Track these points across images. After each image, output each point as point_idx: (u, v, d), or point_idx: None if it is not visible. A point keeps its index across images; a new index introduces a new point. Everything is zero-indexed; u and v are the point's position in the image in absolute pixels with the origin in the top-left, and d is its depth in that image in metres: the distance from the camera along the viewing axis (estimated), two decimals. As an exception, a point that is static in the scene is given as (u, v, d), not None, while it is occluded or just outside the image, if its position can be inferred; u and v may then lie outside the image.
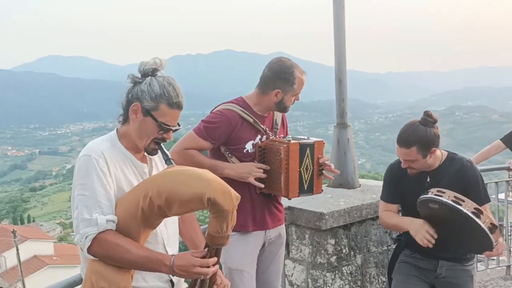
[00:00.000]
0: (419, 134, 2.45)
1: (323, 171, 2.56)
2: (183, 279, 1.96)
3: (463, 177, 2.53)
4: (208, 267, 1.68)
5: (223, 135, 2.45)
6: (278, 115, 2.67)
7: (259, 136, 2.53)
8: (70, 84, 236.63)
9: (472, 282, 2.67)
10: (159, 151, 1.85)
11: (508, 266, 4.46)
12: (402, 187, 2.66)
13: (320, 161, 2.51)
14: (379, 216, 2.79)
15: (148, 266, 1.67)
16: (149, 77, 1.77)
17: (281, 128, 2.68)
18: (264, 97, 2.51)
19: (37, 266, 24.91)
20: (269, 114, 2.61)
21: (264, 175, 2.45)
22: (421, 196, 2.42)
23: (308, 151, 2.47)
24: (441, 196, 2.31)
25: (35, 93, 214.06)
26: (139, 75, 1.79)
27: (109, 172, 1.71)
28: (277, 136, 2.60)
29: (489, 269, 4.48)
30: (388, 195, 2.74)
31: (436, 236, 2.42)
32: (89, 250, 1.65)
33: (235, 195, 1.64)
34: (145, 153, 1.87)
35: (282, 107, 2.54)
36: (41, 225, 49.14)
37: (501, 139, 3.96)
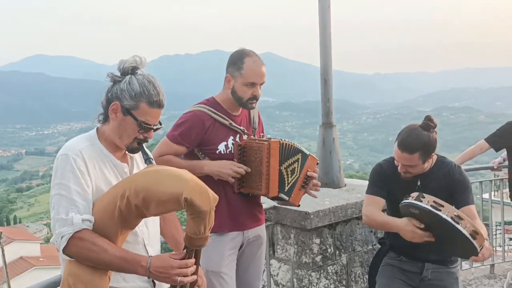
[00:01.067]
0: (423, 140, 2.40)
1: (309, 189, 2.55)
2: None
3: (451, 180, 2.53)
4: (187, 268, 1.65)
5: (198, 138, 2.43)
6: (255, 113, 2.64)
7: (231, 137, 2.50)
8: (57, 84, 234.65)
9: (457, 284, 2.67)
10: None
11: (492, 265, 4.50)
12: (391, 188, 2.61)
13: (308, 173, 2.51)
14: (362, 213, 2.69)
15: (124, 267, 1.63)
16: (129, 76, 1.74)
17: (258, 127, 2.66)
18: (225, 89, 2.49)
19: (23, 268, 24.60)
20: (242, 112, 2.57)
21: (239, 175, 2.42)
22: (402, 201, 2.39)
23: (300, 156, 2.48)
24: (420, 201, 2.29)
25: (21, 93, 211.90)
26: (118, 74, 1.76)
27: (88, 171, 1.68)
28: (256, 135, 2.59)
29: (474, 268, 4.52)
30: (376, 188, 2.65)
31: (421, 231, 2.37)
32: (64, 250, 1.61)
33: (212, 196, 1.61)
34: (126, 152, 1.84)
35: (237, 98, 2.45)
36: (28, 226, 48.61)
37: (485, 139, 3.99)
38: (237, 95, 2.44)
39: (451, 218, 2.21)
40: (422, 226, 2.36)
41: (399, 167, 2.51)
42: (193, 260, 1.68)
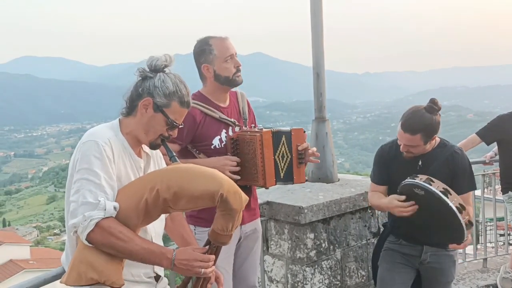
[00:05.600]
0: (425, 122, 2.49)
1: (308, 160, 2.51)
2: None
3: (453, 163, 2.61)
4: (209, 262, 1.69)
5: (189, 134, 2.40)
6: (244, 104, 2.62)
7: (224, 130, 2.48)
8: (46, 85, 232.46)
9: (454, 267, 2.77)
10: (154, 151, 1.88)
11: (485, 259, 4.51)
12: (392, 169, 2.70)
13: (299, 148, 2.45)
14: (368, 196, 2.87)
15: (149, 258, 1.65)
16: (161, 73, 1.77)
17: (249, 117, 2.63)
18: (206, 81, 2.47)
19: (12, 271, 24.33)
20: (231, 103, 2.56)
21: (237, 168, 2.41)
22: (408, 180, 2.44)
23: (283, 138, 2.43)
24: (430, 184, 2.35)
25: (10, 94, 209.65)
26: (148, 70, 1.78)
27: (114, 160, 1.70)
28: (248, 126, 2.56)
29: (466, 262, 4.53)
30: (378, 176, 2.78)
31: (408, 206, 2.47)
32: (88, 236, 1.58)
33: (244, 197, 1.70)
34: (142, 149, 1.87)
35: (223, 80, 2.44)
36: (17, 229, 48.21)
37: (476, 133, 4.00)
38: (222, 76, 2.43)
39: (456, 207, 2.28)
40: (403, 198, 2.46)
41: (401, 147, 2.59)
42: (213, 256, 1.72)
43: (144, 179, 1.72)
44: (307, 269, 3.12)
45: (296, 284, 3.18)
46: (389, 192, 2.77)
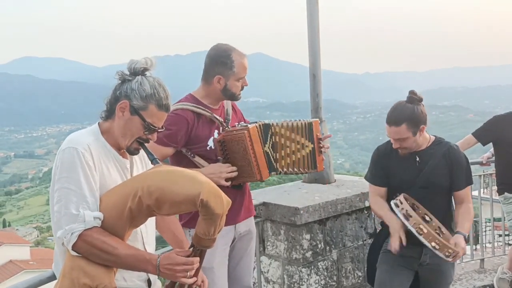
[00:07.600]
0: (407, 112, 2.56)
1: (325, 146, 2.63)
2: (158, 279, 1.94)
3: (449, 158, 2.66)
4: (192, 265, 1.68)
5: (184, 137, 2.40)
6: (228, 105, 2.63)
7: (216, 131, 2.49)
8: (46, 86, 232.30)
9: (453, 268, 2.79)
10: (142, 151, 1.84)
11: (482, 260, 4.52)
12: (390, 168, 2.73)
13: (321, 138, 2.58)
14: (369, 201, 2.89)
15: (135, 265, 1.65)
16: (140, 76, 1.76)
17: (233, 116, 2.63)
18: (209, 87, 2.47)
19: (12, 271, 24.33)
20: (221, 105, 2.57)
21: (233, 174, 2.41)
22: (392, 200, 2.60)
23: (307, 127, 2.55)
24: (397, 206, 2.50)
25: (9, 95, 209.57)
26: (127, 73, 1.77)
27: (95, 166, 1.68)
28: (231, 125, 2.55)
29: (464, 263, 4.53)
30: (375, 177, 2.80)
31: (404, 244, 2.55)
32: (73, 247, 1.60)
33: (226, 200, 1.66)
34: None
35: (229, 94, 2.48)
36: (17, 229, 48.25)
37: (472, 134, 4.00)
38: (231, 91, 2.46)
39: (416, 230, 2.44)
40: (404, 238, 2.54)
41: (393, 144, 2.64)
42: (198, 259, 1.71)
43: (126, 185, 1.69)
44: (303, 269, 3.13)
45: (292, 285, 3.18)
46: (388, 194, 2.78)
